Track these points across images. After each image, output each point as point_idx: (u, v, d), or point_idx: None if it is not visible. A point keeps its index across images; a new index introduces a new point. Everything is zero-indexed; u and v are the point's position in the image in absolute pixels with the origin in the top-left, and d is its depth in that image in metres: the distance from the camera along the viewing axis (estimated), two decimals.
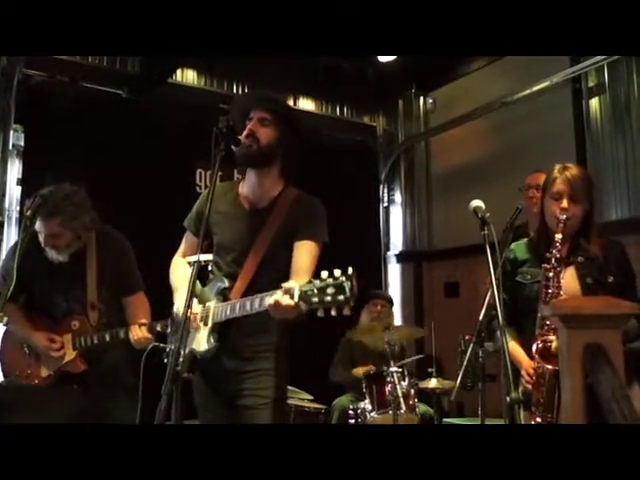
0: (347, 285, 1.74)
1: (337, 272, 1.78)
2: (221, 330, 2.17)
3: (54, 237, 2.71)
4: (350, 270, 1.77)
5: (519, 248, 2.47)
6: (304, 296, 1.80)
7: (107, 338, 2.74)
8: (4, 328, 2.91)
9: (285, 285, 1.88)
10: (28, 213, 2.66)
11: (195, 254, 1.99)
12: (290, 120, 2.27)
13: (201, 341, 2.17)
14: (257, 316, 2.08)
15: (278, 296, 1.86)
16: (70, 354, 2.78)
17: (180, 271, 2.35)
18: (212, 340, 2.15)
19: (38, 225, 2.69)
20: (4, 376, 2.85)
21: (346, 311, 1.76)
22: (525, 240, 2.51)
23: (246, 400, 2.17)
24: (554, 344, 2.13)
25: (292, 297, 1.82)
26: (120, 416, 2.68)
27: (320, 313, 1.78)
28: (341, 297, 1.74)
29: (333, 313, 1.77)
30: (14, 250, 2.79)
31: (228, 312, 2.11)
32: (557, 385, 2.07)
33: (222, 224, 2.30)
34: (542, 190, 2.41)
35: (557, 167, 2.36)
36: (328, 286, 1.76)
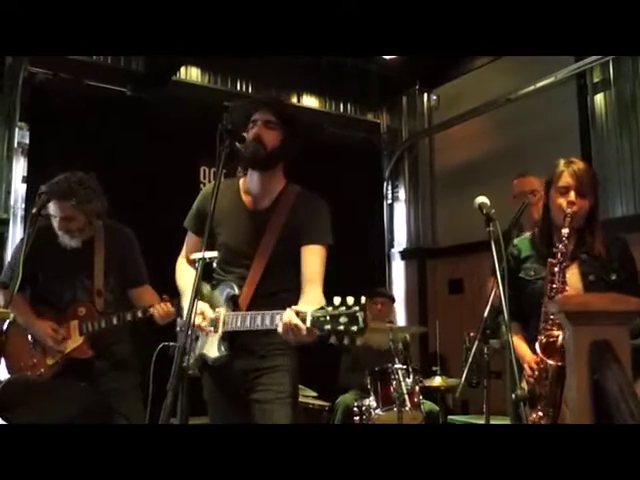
0: (360, 316, 1.76)
1: (350, 300, 1.79)
2: (233, 333, 2.16)
3: (68, 220, 2.73)
4: (363, 299, 1.79)
5: (523, 244, 2.45)
6: (316, 322, 1.82)
7: (114, 321, 2.72)
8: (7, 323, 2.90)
9: (296, 308, 1.89)
10: (42, 196, 2.66)
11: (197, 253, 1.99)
12: (293, 122, 2.28)
13: (212, 348, 2.17)
14: None
15: (288, 316, 1.87)
16: (77, 340, 2.77)
17: (186, 275, 2.35)
18: (223, 349, 2.15)
19: (52, 208, 2.70)
20: (10, 371, 2.84)
21: (358, 341, 1.81)
22: (529, 236, 2.49)
23: (259, 395, 2.17)
24: (559, 339, 2.11)
25: (304, 321, 1.84)
26: (126, 413, 2.68)
27: (333, 340, 1.80)
28: (354, 328, 1.76)
29: (346, 342, 1.79)
30: (23, 240, 2.79)
31: (238, 324, 2.11)
32: (559, 381, 2.06)
33: (225, 223, 2.29)
34: (546, 186, 2.39)
35: (562, 162, 2.35)
36: (341, 315, 1.78)
